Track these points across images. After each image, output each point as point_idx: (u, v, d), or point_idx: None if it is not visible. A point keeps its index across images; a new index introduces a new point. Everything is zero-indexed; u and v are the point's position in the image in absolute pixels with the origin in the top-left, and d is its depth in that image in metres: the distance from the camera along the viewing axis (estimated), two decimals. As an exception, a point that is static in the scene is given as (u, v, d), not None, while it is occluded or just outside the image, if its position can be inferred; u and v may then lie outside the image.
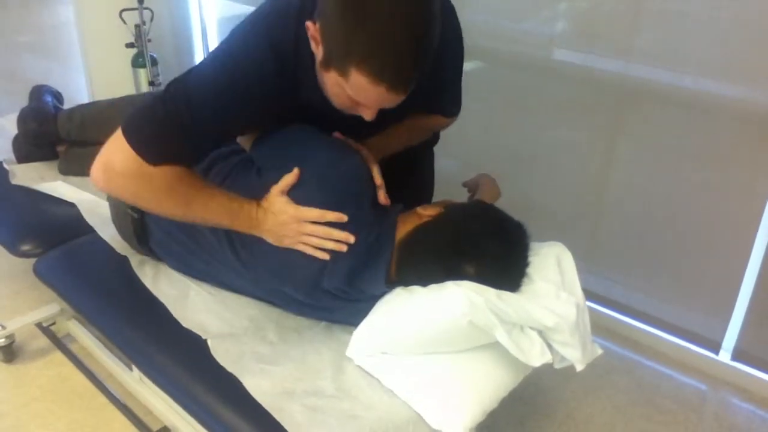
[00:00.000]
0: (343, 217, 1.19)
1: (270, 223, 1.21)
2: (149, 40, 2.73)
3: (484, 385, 1.19)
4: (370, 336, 1.24)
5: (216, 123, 1.13)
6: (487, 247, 1.19)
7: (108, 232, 1.60)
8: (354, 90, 1.03)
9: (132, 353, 1.39)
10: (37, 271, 1.61)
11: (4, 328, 1.76)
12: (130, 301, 1.45)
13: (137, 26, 2.68)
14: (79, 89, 3.08)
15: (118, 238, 1.55)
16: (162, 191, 1.14)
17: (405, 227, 1.24)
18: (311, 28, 1.04)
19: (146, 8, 2.65)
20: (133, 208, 1.40)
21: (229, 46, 1.14)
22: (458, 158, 2.11)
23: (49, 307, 1.82)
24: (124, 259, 1.52)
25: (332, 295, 1.27)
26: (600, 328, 2.01)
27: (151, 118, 1.11)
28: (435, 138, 1.63)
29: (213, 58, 1.14)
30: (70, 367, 1.75)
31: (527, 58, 2.03)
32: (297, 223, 1.19)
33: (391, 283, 1.24)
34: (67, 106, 2.17)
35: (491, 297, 1.12)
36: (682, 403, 1.79)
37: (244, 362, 1.24)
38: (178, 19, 3.04)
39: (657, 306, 1.99)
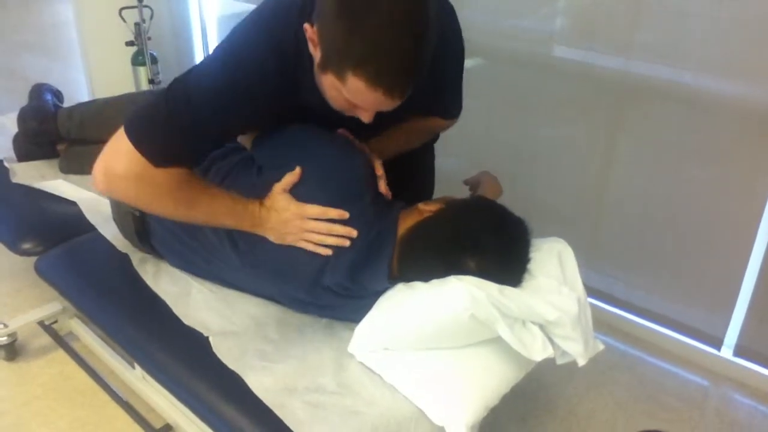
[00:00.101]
0: (345, 214, 1.19)
1: (273, 221, 1.21)
2: (149, 38, 2.73)
3: (486, 381, 1.19)
4: (372, 332, 1.24)
5: (216, 123, 1.12)
6: (488, 242, 1.19)
7: (109, 230, 1.60)
8: (351, 94, 1.02)
9: (134, 351, 1.40)
10: (39, 270, 1.61)
11: (6, 326, 1.76)
12: (131, 299, 1.45)
13: (137, 24, 2.68)
14: (79, 87, 3.08)
15: (120, 236, 1.55)
16: (164, 193, 1.13)
17: (406, 223, 1.25)
18: (309, 30, 1.03)
19: (146, 6, 2.64)
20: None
21: (230, 45, 1.13)
22: (459, 156, 2.11)
23: (50, 305, 1.82)
24: (126, 257, 1.52)
25: (333, 292, 1.27)
26: (602, 325, 2.01)
27: (154, 120, 1.10)
28: (435, 136, 1.63)
29: (214, 57, 1.14)
30: (72, 365, 1.76)
31: (527, 56, 2.03)
32: (299, 220, 1.19)
33: (393, 279, 1.24)
34: (67, 104, 2.16)
35: (493, 291, 1.12)
36: (684, 399, 1.79)
37: (246, 359, 1.25)
38: (177, 17, 3.04)
39: (658, 302, 1.99)
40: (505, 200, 1.37)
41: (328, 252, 1.20)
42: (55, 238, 1.68)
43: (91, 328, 1.77)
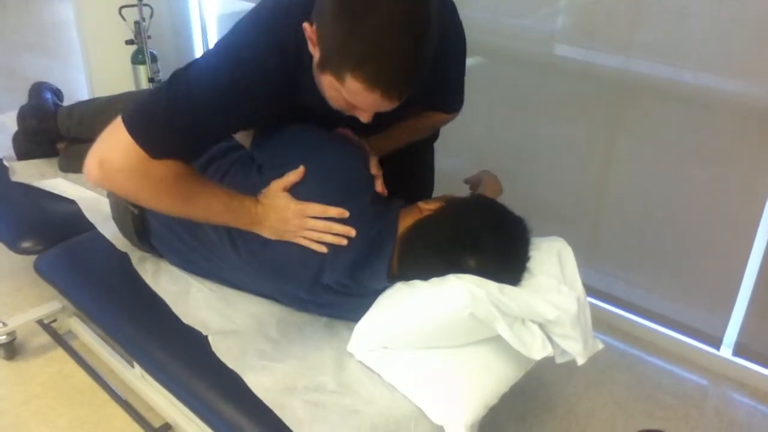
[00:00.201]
0: (345, 213, 1.19)
1: (272, 219, 1.21)
2: (149, 37, 2.73)
3: (485, 380, 1.20)
4: (371, 330, 1.24)
5: (216, 120, 1.12)
6: (488, 241, 1.19)
7: (108, 228, 1.59)
8: (349, 94, 1.02)
9: (133, 350, 1.39)
10: (38, 269, 1.61)
11: (5, 325, 1.76)
12: (131, 297, 1.45)
13: (137, 23, 2.68)
14: (78, 86, 3.08)
15: (119, 235, 1.55)
16: (162, 187, 1.13)
17: (406, 222, 1.25)
18: (308, 29, 1.03)
19: (146, 5, 2.64)
20: (134, 204, 1.40)
21: (231, 42, 1.13)
22: (459, 155, 2.11)
23: (50, 304, 1.82)
24: (125, 256, 1.52)
25: (333, 290, 1.27)
26: (601, 324, 2.01)
27: (154, 114, 1.09)
28: (435, 134, 1.63)
29: (215, 53, 1.13)
30: (71, 364, 1.76)
31: (527, 54, 2.03)
32: (299, 219, 1.19)
33: (393, 278, 1.24)
34: (66, 103, 2.16)
35: (492, 290, 1.12)
36: (683, 398, 1.79)
37: (246, 359, 1.25)
38: (177, 16, 3.04)
39: (658, 301, 1.99)
40: (505, 199, 1.37)
41: (325, 249, 1.20)
42: (55, 237, 1.68)
43: (90, 327, 1.76)
